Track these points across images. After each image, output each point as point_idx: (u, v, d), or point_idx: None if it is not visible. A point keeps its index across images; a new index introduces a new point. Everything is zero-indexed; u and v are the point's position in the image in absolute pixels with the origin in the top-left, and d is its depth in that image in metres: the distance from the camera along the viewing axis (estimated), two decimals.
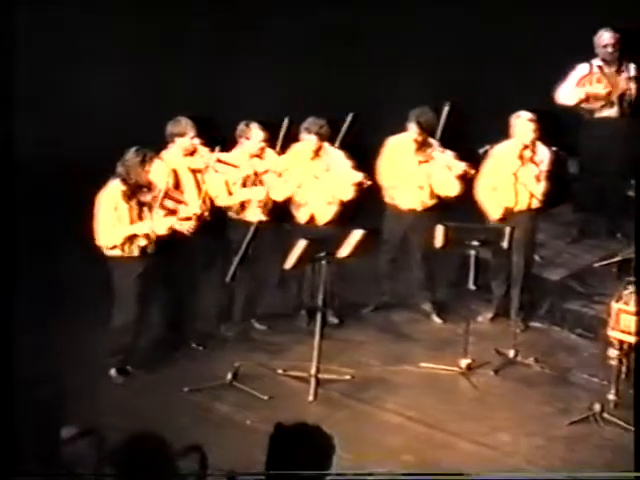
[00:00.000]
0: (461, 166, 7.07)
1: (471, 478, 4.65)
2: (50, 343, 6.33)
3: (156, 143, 6.72)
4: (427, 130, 7.05)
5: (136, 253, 6.41)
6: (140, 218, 6.42)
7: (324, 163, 7.09)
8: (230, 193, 6.90)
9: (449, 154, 7.10)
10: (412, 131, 7.07)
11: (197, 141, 6.79)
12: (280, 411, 5.89)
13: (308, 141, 7.01)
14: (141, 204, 6.41)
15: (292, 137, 7.06)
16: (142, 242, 6.39)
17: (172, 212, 6.52)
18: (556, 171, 7.18)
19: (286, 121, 6.85)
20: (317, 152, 7.05)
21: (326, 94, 7.59)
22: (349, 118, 7.00)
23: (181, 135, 6.77)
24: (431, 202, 7.17)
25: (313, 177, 7.06)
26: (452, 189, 7.10)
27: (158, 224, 6.44)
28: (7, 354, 5.37)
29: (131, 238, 6.38)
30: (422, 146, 7.09)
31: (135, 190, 6.38)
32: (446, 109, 7.08)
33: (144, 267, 6.41)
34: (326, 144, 7.07)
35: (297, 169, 7.04)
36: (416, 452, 5.99)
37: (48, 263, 6.80)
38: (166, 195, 6.48)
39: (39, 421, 5.27)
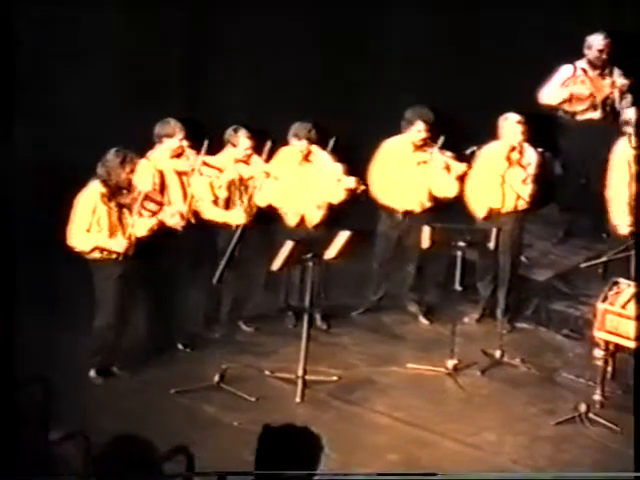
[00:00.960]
0: (461, 167, 7.10)
1: (476, 478, 4.48)
2: (38, 344, 6.31)
3: (142, 144, 6.72)
4: (431, 128, 7.07)
5: (115, 256, 6.41)
6: (120, 221, 6.41)
7: (314, 167, 7.10)
8: (215, 196, 6.90)
9: (448, 154, 7.12)
10: (416, 130, 7.06)
11: (185, 143, 6.80)
12: (267, 412, 5.94)
13: (298, 145, 7.03)
14: (121, 206, 6.40)
15: (280, 142, 7.08)
16: (118, 248, 6.37)
17: (153, 214, 6.52)
18: (543, 173, 7.22)
19: (269, 143, 6.84)
20: (306, 157, 7.07)
21: (314, 96, 7.60)
22: (332, 142, 6.99)
23: (170, 136, 6.78)
24: (429, 204, 7.18)
25: (302, 181, 7.07)
26: (451, 190, 7.13)
27: (139, 226, 6.44)
28: (7, 354, 5.35)
29: (99, 247, 6.37)
30: (424, 145, 7.11)
31: (115, 192, 6.38)
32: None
33: (124, 269, 6.41)
34: (315, 148, 7.08)
35: (284, 174, 7.05)
36: (403, 452, 6.03)
37: (36, 264, 6.76)
38: (146, 197, 6.47)
39: (26, 423, 5.26)
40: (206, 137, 6.72)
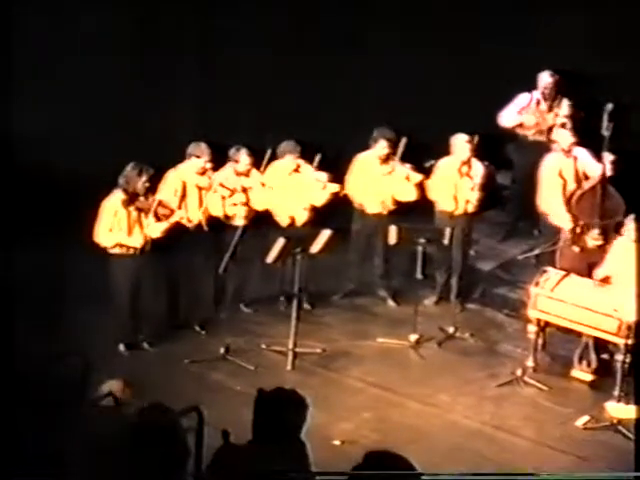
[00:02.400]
0: (419, 177, 7.20)
1: (477, 478, 4.27)
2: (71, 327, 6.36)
3: (162, 160, 6.77)
4: (392, 145, 7.16)
5: (132, 251, 6.51)
6: (137, 222, 6.51)
7: (301, 177, 7.19)
8: (224, 212, 6.98)
9: (407, 166, 7.22)
10: (380, 146, 7.16)
11: (209, 165, 6.89)
12: (264, 379, 5.90)
13: (289, 160, 7.16)
14: (139, 210, 6.52)
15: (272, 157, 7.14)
16: (135, 244, 6.47)
17: (164, 217, 6.61)
18: (488, 182, 7.28)
19: (269, 152, 6.95)
20: (296, 169, 7.20)
21: (297, 118, 7.59)
22: (317, 158, 7.07)
23: (198, 157, 6.86)
24: (393, 207, 7.27)
25: (292, 189, 7.15)
26: (410, 195, 7.23)
27: (153, 228, 6.53)
28: (8, 357, 5.27)
29: (120, 244, 6.47)
30: (387, 159, 7.20)
31: (133, 198, 6.49)
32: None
33: (140, 263, 6.49)
34: (302, 162, 7.18)
35: (278, 182, 7.13)
36: (374, 410, 6.10)
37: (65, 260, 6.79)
38: (159, 204, 6.59)
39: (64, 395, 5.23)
40: (226, 160, 6.79)
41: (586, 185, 7.04)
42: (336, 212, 7.24)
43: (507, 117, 7.68)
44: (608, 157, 6.90)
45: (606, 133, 6.79)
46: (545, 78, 7.65)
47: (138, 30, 7.47)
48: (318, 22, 7.74)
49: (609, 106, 6.83)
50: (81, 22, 7.24)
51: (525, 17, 7.66)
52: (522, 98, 7.70)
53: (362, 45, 7.80)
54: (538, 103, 7.71)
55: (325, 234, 6.71)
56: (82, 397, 4.97)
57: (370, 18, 7.81)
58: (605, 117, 6.81)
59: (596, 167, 7.03)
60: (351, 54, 7.77)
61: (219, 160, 7.01)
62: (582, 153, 7.17)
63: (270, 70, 7.66)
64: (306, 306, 7.16)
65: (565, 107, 7.68)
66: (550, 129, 7.60)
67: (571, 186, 7.11)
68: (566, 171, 7.17)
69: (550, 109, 7.70)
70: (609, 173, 6.92)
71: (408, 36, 7.81)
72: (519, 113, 7.68)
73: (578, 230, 6.86)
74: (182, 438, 3.68)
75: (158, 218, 6.56)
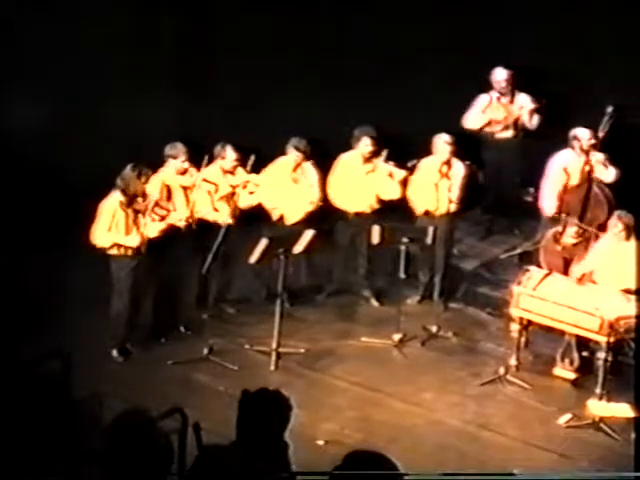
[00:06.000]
0: (402, 173, 7.22)
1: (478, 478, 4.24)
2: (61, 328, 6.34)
3: (153, 161, 6.78)
4: (376, 142, 7.17)
5: (130, 252, 6.50)
6: (135, 223, 6.50)
7: (301, 175, 7.20)
8: (214, 208, 6.96)
9: (391, 164, 7.24)
10: (364, 144, 7.17)
11: (187, 164, 6.86)
12: (247, 379, 5.88)
13: (294, 155, 7.15)
14: (136, 211, 6.50)
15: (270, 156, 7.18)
16: (132, 244, 6.48)
17: (161, 218, 6.61)
18: (469, 182, 7.30)
19: (253, 158, 6.93)
20: (296, 167, 7.19)
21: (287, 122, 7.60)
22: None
23: (174, 157, 6.84)
24: (377, 206, 7.28)
25: (292, 184, 7.15)
26: (395, 193, 7.24)
27: (150, 228, 6.52)
28: (8, 360, 5.27)
29: (117, 244, 6.47)
30: (371, 157, 7.21)
31: (131, 199, 6.48)
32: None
33: (137, 263, 6.48)
34: (305, 162, 7.17)
35: (279, 178, 7.12)
36: (359, 410, 6.10)
37: (64, 263, 6.82)
38: (156, 204, 6.58)
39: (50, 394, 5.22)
40: (205, 156, 6.75)
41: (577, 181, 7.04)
42: (319, 212, 7.23)
43: (472, 119, 7.64)
44: (597, 157, 6.91)
45: (601, 134, 6.79)
46: (499, 73, 7.61)
47: (141, 28, 7.46)
48: (302, 22, 7.73)
49: (609, 108, 6.80)
50: (80, 22, 7.23)
51: (509, 17, 7.70)
52: (482, 99, 7.67)
53: (346, 44, 7.81)
54: (498, 99, 7.69)
55: (308, 234, 6.70)
56: (64, 399, 4.96)
57: (354, 18, 7.82)
58: (605, 118, 6.79)
59: (606, 173, 7.01)
60: (334, 54, 7.78)
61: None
62: (598, 156, 7.10)
63: (258, 71, 7.65)
64: (288, 305, 7.10)
65: (525, 98, 7.63)
66: (516, 122, 7.59)
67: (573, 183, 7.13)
68: (572, 169, 7.12)
69: (511, 102, 7.67)
70: (600, 174, 6.93)
71: (391, 36, 7.82)
72: (484, 112, 7.66)
73: (560, 228, 6.89)
74: (162, 441, 3.65)
75: (159, 218, 6.55)
